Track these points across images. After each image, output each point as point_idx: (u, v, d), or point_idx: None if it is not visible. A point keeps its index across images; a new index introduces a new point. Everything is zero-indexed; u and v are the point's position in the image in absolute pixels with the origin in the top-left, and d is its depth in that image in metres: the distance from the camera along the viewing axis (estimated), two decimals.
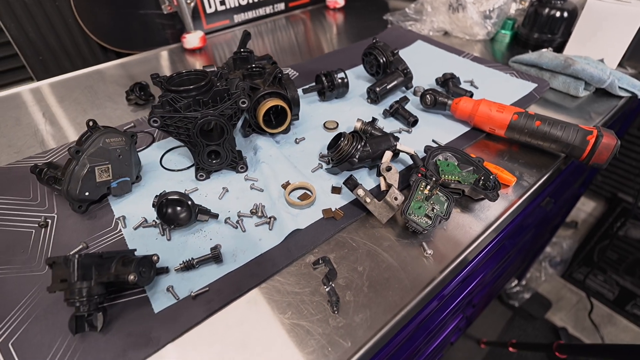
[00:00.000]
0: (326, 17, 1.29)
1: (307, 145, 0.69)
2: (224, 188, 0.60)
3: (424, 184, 0.54)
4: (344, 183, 0.55)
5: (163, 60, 1.03)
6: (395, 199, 0.52)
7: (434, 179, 0.55)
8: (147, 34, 1.03)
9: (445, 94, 0.75)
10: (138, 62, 1.02)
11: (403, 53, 0.99)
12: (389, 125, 0.74)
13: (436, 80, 0.84)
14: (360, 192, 0.53)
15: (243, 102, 0.54)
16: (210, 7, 1.08)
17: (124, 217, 0.55)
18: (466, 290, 0.86)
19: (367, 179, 0.62)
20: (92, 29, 0.96)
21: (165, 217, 0.50)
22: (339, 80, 0.77)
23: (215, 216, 0.53)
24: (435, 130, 0.73)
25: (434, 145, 0.69)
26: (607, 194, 1.65)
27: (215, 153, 0.59)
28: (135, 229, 0.53)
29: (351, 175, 0.55)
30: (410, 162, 0.65)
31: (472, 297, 1.10)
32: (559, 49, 0.99)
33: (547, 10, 0.95)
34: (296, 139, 0.70)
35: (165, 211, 0.50)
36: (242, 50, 0.71)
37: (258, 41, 1.12)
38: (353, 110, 0.78)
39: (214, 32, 1.14)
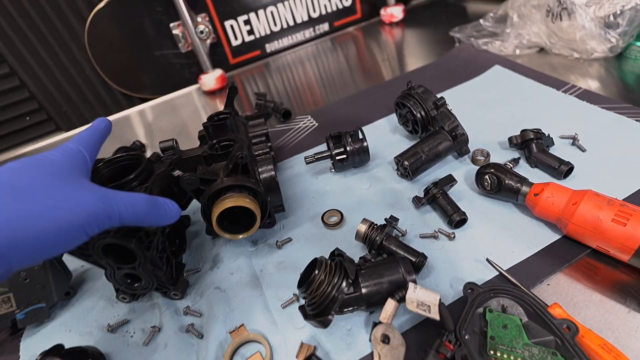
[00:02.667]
0: (381, 35, 1.05)
1: (291, 252, 0.49)
2: (153, 327, 0.43)
3: None
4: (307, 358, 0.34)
5: (182, 105, 0.92)
6: None
7: None
8: (166, 76, 0.93)
9: (517, 175, 0.46)
10: (154, 107, 0.93)
11: (471, 86, 0.71)
12: (421, 221, 0.49)
13: (509, 140, 0.55)
14: None
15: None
16: (236, 39, 0.94)
17: None
18: None
19: (361, 332, 0.39)
20: (110, 75, 0.89)
21: None
22: (352, 147, 0.55)
23: None
24: (496, 234, 0.45)
25: (489, 272, 0.42)
26: None
27: (133, 276, 0.43)
28: None
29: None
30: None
31: None
32: None
33: None
34: (277, 241, 0.50)
35: None
36: (219, 114, 0.53)
37: (288, 73, 0.94)
38: (373, 188, 0.55)
39: (243, 66, 0.99)
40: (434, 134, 0.53)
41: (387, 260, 0.40)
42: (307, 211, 0.54)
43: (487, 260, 0.42)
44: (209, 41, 0.87)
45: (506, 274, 0.40)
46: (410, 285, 0.37)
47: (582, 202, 0.40)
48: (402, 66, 0.89)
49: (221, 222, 0.44)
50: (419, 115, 0.54)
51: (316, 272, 0.37)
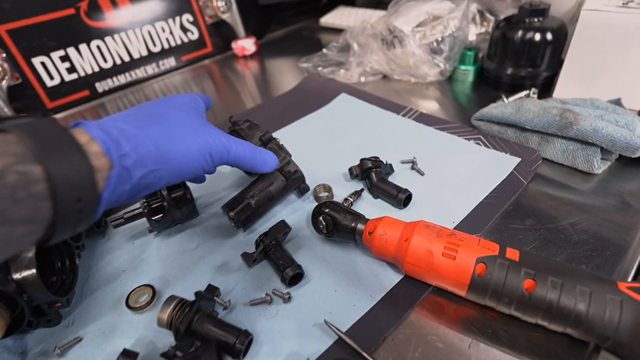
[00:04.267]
0: (237, 67, 0.98)
1: (79, 357, 0.35)
2: None
3: None
4: None
5: None
6: None
7: None
8: None
9: (353, 212, 0.41)
10: None
11: (318, 116, 0.67)
12: (256, 283, 0.40)
13: (350, 171, 0.50)
14: None
15: None
16: (52, 79, 0.77)
17: None
18: None
19: None
20: None
21: None
22: (170, 201, 0.44)
23: None
24: (338, 286, 0.38)
25: (330, 336, 0.34)
26: None
27: None
28: None
29: None
30: None
31: None
32: (546, 87, 0.66)
33: (519, 33, 0.62)
34: (56, 347, 0.35)
35: None
36: None
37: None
38: (202, 247, 0.45)
39: (68, 109, 0.82)
40: (264, 175, 0.45)
41: (186, 358, 0.29)
42: (111, 293, 0.40)
43: (325, 322, 0.35)
44: (4, 82, 0.69)
45: (346, 338, 0.33)
46: None
47: (412, 237, 0.35)
48: (263, 96, 0.83)
49: None
50: None
51: None
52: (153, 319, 0.37)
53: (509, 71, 0.66)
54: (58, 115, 0.82)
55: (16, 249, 0.23)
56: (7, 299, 0.32)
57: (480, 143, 0.55)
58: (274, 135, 0.48)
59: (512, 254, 0.33)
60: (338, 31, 1.02)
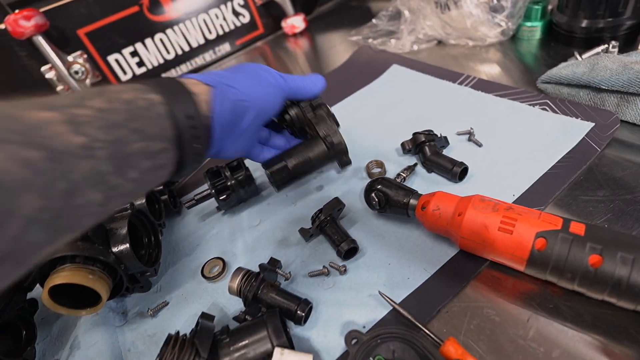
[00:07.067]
0: (288, 47, 0.99)
1: (167, 319, 0.41)
2: None
3: None
4: None
5: None
6: None
7: None
8: None
9: (405, 188, 0.41)
10: None
11: (370, 90, 0.66)
12: (313, 256, 0.43)
13: (402, 146, 0.50)
14: None
15: None
16: (125, 73, 0.85)
17: None
18: None
19: None
20: None
21: None
22: (234, 181, 0.48)
23: None
24: (392, 260, 0.40)
25: (384, 307, 0.36)
26: None
27: None
28: None
29: None
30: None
31: None
32: (630, 40, 0.58)
33: None
34: (149, 309, 0.42)
35: None
36: None
37: None
38: (264, 224, 0.48)
39: None
40: (307, 140, 0.46)
41: (254, 321, 0.33)
42: (189, 264, 0.46)
43: (380, 293, 0.36)
44: (88, 81, 0.78)
45: (399, 308, 0.35)
46: (276, 351, 0.30)
47: (467, 211, 0.35)
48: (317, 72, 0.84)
49: (70, 292, 0.36)
50: (290, 115, 0.46)
51: (157, 358, 0.30)
52: (224, 288, 0.42)
53: (584, 23, 0.59)
54: None
55: (160, 174, 0.29)
56: (109, 268, 0.38)
57: (547, 108, 0.51)
58: None
59: (577, 228, 0.31)
60: None
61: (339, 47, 0.90)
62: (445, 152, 0.49)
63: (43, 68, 0.77)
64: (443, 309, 0.35)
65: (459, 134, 0.51)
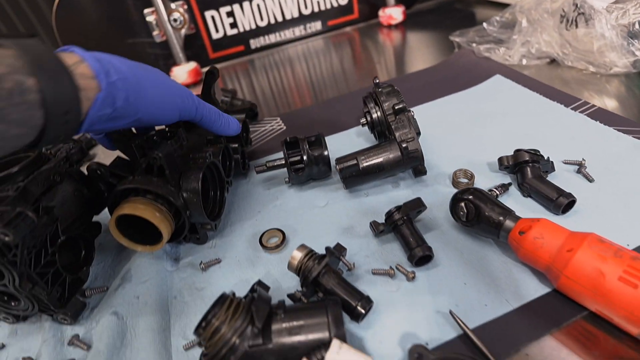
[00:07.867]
0: (379, 37, 0.96)
1: (217, 277, 0.40)
2: (25, 359, 0.34)
3: None
4: None
5: None
6: None
7: None
8: None
9: (501, 205, 0.36)
10: None
11: (466, 96, 0.61)
12: (379, 253, 0.39)
13: (500, 161, 0.45)
14: None
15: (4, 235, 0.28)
16: (217, 32, 0.86)
17: None
18: None
19: None
20: None
21: None
22: (310, 156, 0.46)
23: None
24: (468, 279, 0.35)
25: (452, 329, 0.32)
26: None
27: (9, 294, 0.35)
28: None
29: None
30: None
31: None
32: None
33: None
34: (202, 262, 0.41)
35: None
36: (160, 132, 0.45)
37: (274, 72, 0.86)
38: (331, 207, 0.46)
39: (224, 61, 0.92)
40: (383, 143, 0.44)
41: (314, 305, 0.30)
42: (248, 229, 0.45)
43: (451, 313, 0.32)
44: (184, 31, 0.79)
45: (472, 336, 0.30)
46: (335, 343, 0.27)
47: (579, 249, 0.30)
48: (399, 70, 0.80)
49: (133, 225, 0.37)
50: (374, 116, 0.46)
51: (210, 315, 0.28)
52: (280, 260, 0.40)
53: None
54: (222, 64, 0.92)
55: (9, 148, 0.27)
56: (175, 210, 0.38)
57: None
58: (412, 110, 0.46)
59: None
60: (499, 5, 0.91)
61: (433, 47, 0.85)
62: (548, 178, 0.43)
63: (146, 10, 0.79)
64: (522, 350, 0.30)
65: (566, 162, 0.45)
